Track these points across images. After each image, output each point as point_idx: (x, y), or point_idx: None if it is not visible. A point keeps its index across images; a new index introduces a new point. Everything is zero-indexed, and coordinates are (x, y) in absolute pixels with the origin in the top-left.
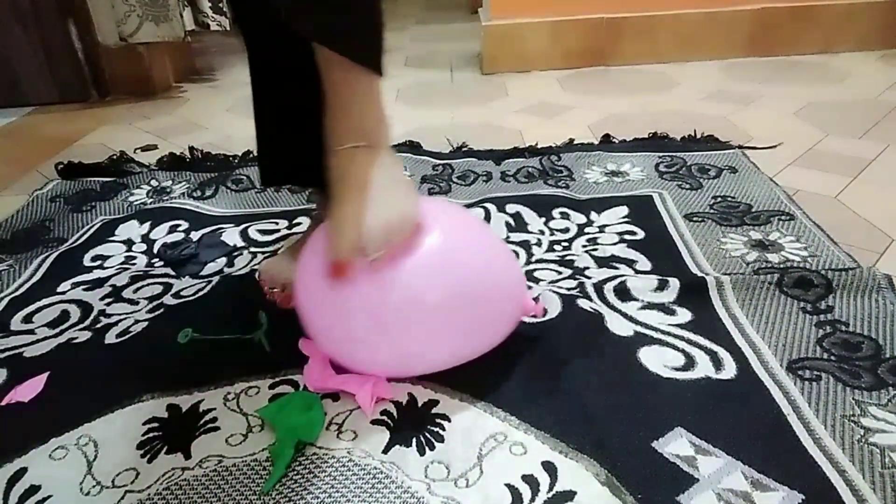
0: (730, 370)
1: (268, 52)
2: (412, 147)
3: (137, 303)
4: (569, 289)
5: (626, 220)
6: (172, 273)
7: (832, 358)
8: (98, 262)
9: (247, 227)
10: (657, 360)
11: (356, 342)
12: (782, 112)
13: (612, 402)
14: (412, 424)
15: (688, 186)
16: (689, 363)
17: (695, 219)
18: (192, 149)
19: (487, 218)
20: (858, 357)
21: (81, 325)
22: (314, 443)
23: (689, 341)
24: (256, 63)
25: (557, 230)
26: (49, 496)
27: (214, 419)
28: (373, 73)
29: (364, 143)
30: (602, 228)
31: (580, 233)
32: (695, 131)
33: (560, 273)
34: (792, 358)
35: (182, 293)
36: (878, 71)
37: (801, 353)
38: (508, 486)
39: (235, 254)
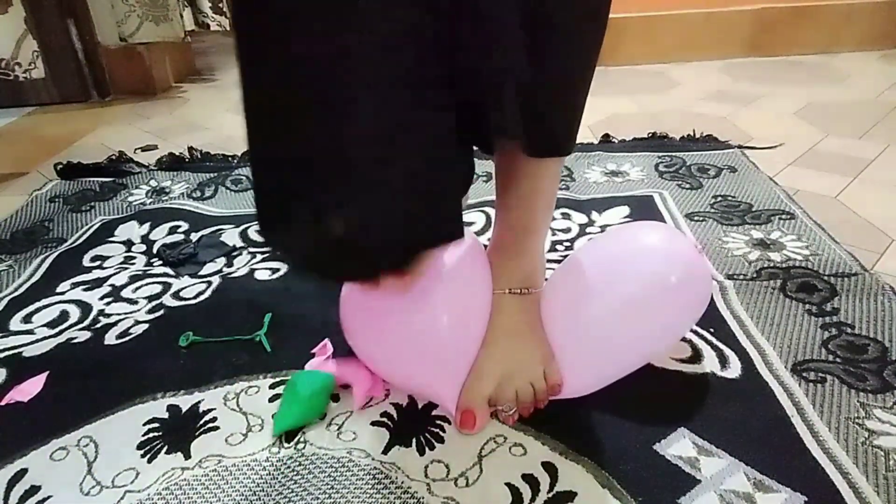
0: (734, 369)
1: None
2: None
3: (137, 302)
4: None
5: (627, 220)
6: (171, 273)
7: (837, 360)
8: (97, 263)
9: (246, 228)
10: (663, 355)
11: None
12: (782, 112)
13: (613, 402)
14: (412, 425)
15: (688, 186)
16: (696, 356)
17: (696, 218)
18: (191, 149)
19: (488, 222)
20: (864, 359)
21: (81, 325)
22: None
23: (696, 333)
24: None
25: (559, 230)
26: (49, 496)
27: (214, 419)
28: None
29: (524, 289)
30: (603, 228)
31: (582, 233)
32: (694, 131)
33: None
34: (797, 359)
35: (181, 293)
36: (878, 71)
37: (807, 354)
38: (508, 485)
39: (235, 254)
